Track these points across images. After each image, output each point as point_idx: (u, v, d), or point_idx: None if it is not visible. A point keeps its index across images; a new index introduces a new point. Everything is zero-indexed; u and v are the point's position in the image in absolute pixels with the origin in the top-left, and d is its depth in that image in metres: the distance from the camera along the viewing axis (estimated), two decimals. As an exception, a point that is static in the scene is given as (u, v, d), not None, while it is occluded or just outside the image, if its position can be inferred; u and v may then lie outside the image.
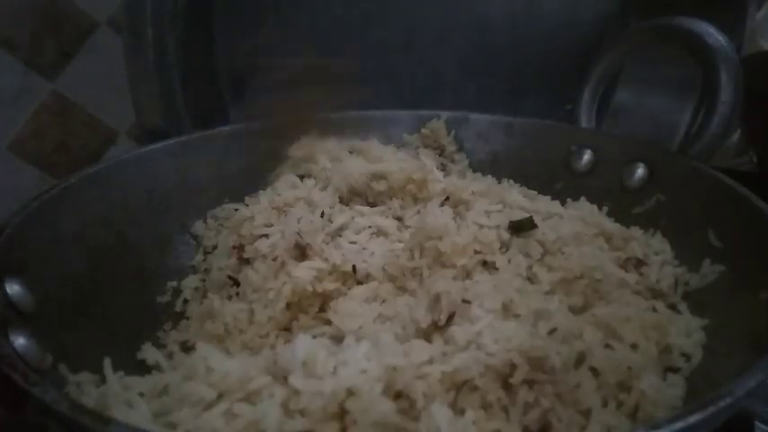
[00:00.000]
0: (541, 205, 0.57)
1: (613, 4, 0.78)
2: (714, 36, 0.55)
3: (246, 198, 0.61)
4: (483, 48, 0.76)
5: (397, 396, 0.36)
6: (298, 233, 0.51)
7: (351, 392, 0.35)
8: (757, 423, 0.45)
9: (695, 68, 0.58)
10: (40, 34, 0.83)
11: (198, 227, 0.61)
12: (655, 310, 0.46)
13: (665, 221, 0.55)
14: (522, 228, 0.52)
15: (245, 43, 0.80)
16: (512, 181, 0.64)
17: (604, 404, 0.39)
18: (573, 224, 0.53)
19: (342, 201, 0.58)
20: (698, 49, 0.56)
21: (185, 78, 0.77)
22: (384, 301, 0.48)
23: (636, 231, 0.54)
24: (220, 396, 0.35)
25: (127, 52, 0.74)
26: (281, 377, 0.36)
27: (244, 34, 0.80)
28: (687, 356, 0.43)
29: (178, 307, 0.55)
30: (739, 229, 0.48)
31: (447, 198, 0.56)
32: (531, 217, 0.52)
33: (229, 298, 0.52)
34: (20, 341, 0.39)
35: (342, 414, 0.35)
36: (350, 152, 0.64)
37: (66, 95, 0.87)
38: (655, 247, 0.53)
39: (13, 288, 0.42)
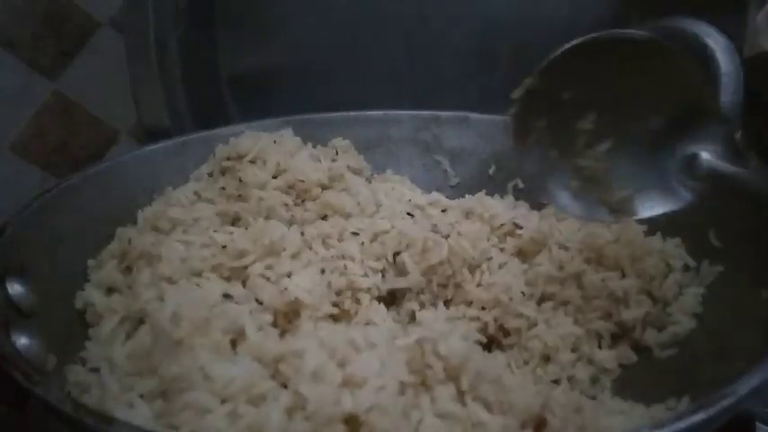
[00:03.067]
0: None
1: (613, 4, 0.78)
2: (715, 37, 0.55)
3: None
4: (483, 48, 0.76)
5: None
6: None
7: (370, 409, 0.34)
8: (758, 424, 0.45)
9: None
10: (41, 34, 0.83)
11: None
12: None
13: (664, 222, 0.55)
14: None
15: (245, 43, 0.80)
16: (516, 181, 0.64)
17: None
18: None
19: None
20: (698, 50, 0.56)
21: (187, 78, 0.77)
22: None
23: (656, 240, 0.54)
24: (224, 402, 0.35)
25: (128, 52, 0.74)
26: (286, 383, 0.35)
27: (244, 34, 0.80)
28: None
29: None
30: (739, 229, 0.48)
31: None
32: None
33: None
34: (21, 341, 0.39)
35: (349, 419, 0.34)
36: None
37: (67, 95, 0.87)
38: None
39: (14, 288, 0.42)
